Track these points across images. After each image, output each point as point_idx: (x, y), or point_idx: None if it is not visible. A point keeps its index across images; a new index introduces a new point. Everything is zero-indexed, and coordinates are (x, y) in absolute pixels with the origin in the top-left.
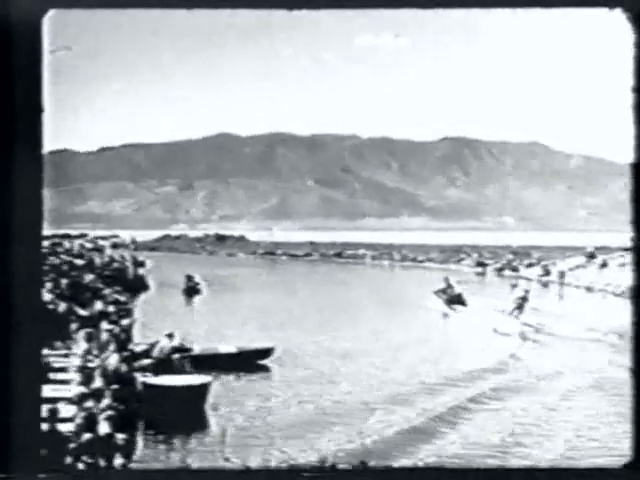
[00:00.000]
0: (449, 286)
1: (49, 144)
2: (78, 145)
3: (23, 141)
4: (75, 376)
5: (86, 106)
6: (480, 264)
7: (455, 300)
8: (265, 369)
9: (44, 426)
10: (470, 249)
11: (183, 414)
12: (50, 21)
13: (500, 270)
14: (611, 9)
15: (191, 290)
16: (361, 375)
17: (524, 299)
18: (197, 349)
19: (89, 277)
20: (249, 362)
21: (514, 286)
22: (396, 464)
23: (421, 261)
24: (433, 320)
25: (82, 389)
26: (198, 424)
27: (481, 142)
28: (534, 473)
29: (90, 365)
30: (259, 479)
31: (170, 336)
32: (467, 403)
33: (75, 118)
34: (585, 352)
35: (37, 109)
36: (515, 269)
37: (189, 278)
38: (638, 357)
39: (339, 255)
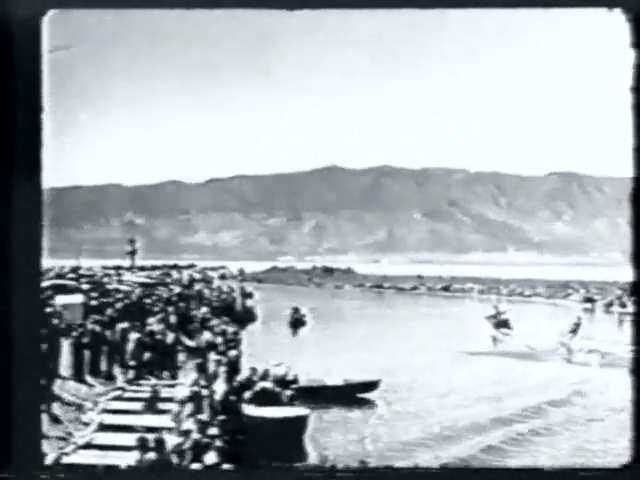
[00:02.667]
0: (498, 313)
1: (159, 176)
2: (189, 177)
3: (23, 140)
4: (183, 406)
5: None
6: (588, 300)
7: (502, 325)
8: (370, 402)
9: (151, 455)
10: (577, 284)
11: (282, 445)
12: (50, 21)
13: (609, 306)
14: (610, 9)
15: (297, 322)
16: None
17: (578, 325)
18: (303, 381)
19: (197, 308)
20: (355, 395)
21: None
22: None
23: (528, 296)
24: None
25: (190, 419)
26: (297, 455)
27: (589, 177)
28: (534, 473)
29: (198, 395)
30: (261, 479)
31: (275, 368)
32: None
33: (186, 152)
34: None
35: (37, 108)
36: (624, 305)
37: (295, 310)
38: (638, 358)
39: (446, 289)
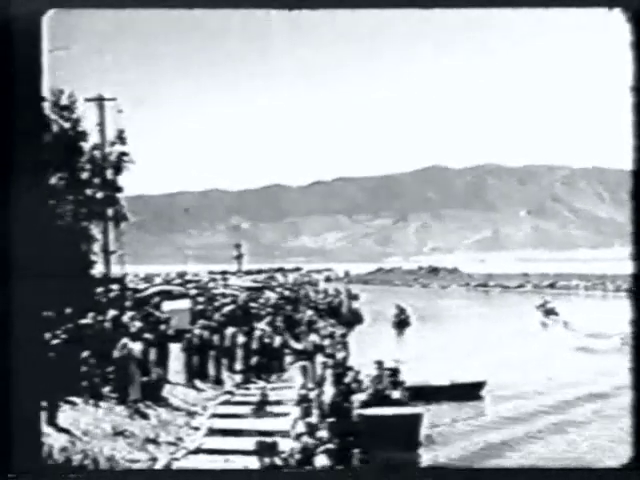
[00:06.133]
0: (546, 302)
1: (262, 180)
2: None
3: (23, 137)
4: (292, 409)
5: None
6: None
7: (550, 312)
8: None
9: (266, 460)
10: None
11: (397, 445)
12: (50, 21)
13: None
14: (610, 9)
15: (402, 322)
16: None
17: None
18: (409, 381)
19: (304, 311)
20: (461, 395)
21: None
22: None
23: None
24: None
25: (300, 422)
26: (412, 454)
27: None
28: (534, 473)
29: (307, 398)
30: (261, 479)
31: (381, 368)
32: None
33: (287, 157)
34: None
35: (37, 107)
36: None
37: (400, 311)
38: (638, 357)
39: (552, 286)
